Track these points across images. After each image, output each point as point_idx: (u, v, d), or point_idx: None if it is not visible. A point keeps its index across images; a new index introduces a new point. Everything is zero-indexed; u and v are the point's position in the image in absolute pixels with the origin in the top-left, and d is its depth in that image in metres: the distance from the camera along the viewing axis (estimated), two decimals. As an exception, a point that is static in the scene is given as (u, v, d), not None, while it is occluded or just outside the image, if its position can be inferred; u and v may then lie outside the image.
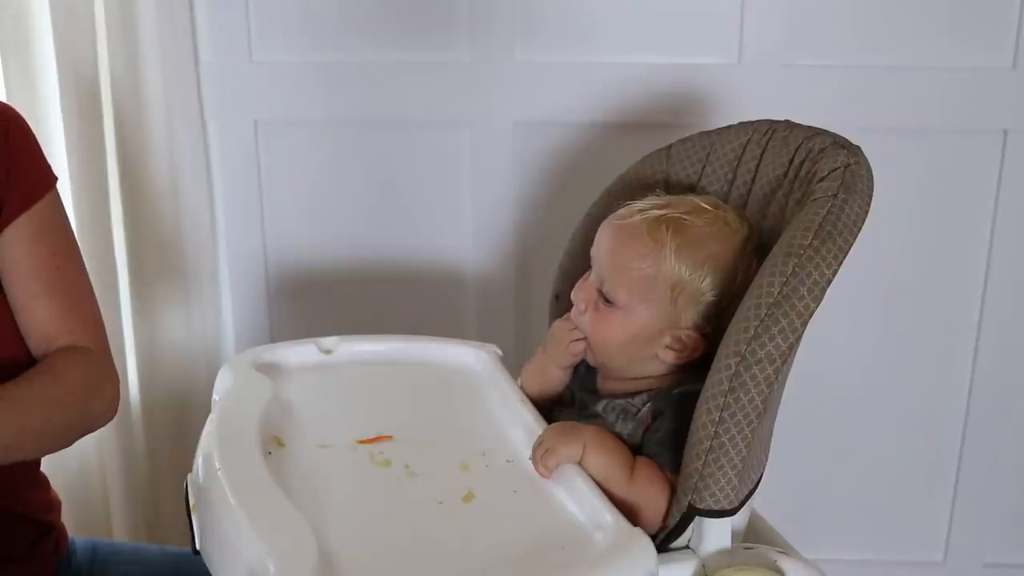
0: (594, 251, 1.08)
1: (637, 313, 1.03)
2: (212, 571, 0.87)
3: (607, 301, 1.04)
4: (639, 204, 1.06)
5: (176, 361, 1.71)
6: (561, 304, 1.19)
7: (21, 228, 1.12)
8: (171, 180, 1.65)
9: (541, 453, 0.97)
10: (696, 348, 1.04)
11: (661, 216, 1.03)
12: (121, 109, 1.62)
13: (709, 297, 1.03)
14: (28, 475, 1.19)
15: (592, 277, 1.07)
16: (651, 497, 0.96)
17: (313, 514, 0.87)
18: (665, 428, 1.00)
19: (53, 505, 1.25)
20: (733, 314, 1.00)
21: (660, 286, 1.02)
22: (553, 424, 1.02)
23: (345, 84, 1.67)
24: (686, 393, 0.99)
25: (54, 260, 1.14)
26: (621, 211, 1.07)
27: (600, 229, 1.09)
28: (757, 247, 1.06)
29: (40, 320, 1.12)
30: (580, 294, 1.07)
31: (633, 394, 1.05)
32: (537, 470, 0.97)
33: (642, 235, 1.03)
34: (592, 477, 0.95)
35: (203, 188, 1.68)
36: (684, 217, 1.03)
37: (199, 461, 0.96)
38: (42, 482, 1.24)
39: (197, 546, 0.90)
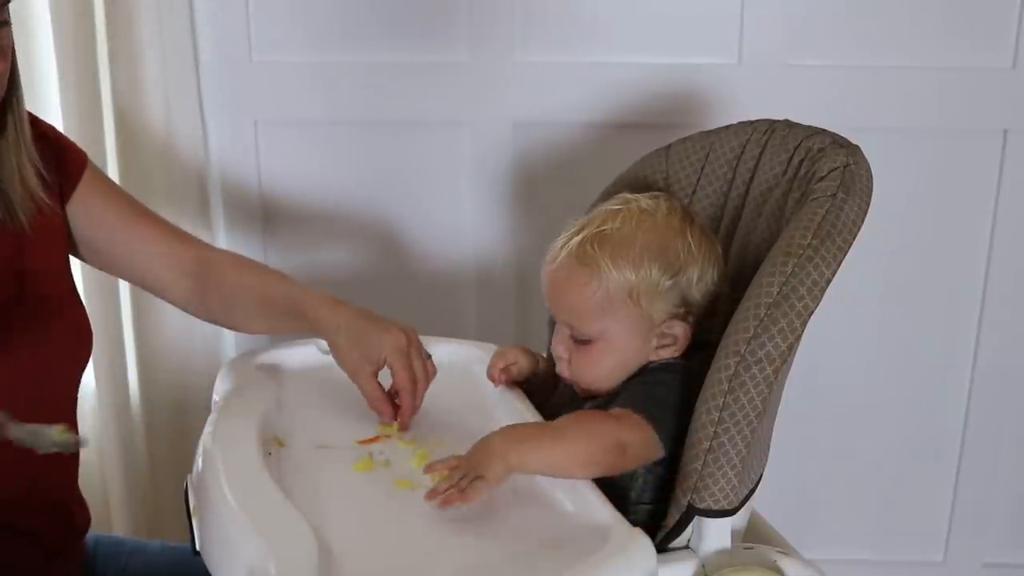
0: (547, 302, 1.09)
1: (614, 335, 1.04)
2: (212, 571, 0.87)
3: (583, 341, 1.05)
4: (559, 240, 1.07)
5: (176, 361, 1.70)
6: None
7: (91, 178, 1.18)
8: (171, 180, 1.65)
9: (465, 485, 0.90)
10: (685, 334, 1.05)
11: (581, 240, 1.04)
12: (121, 109, 1.62)
13: (666, 283, 1.03)
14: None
15: (559, 326, 1.08)
16: (596, 432, 0.95)
17: (313, 514, 0.87)
18: (630, 388, 1.02)
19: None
20: (699, 280, 1.03)
21: (617, 300, 1.03)
22: (468, 452, 0.94)
23: (345, 84, 1.67)
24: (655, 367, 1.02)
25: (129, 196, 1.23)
26: (548, 255, 1.08)
27: (541, 278, 1.09)
28: (686, 213, 1.07)
29: (169, 232, 1.22)
30: (559, 347, 1.08)
31: (613, 394, 1.05)
32: (455, 502, 0.89)
33: (574, 267, 1.04)
34: (547, 469, 0.93)
35: (203, 188, 1.68)
36: (601, 229, 1.04)
37: (199, 461, 0.96)
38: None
39: (197, 547, 0.91)
